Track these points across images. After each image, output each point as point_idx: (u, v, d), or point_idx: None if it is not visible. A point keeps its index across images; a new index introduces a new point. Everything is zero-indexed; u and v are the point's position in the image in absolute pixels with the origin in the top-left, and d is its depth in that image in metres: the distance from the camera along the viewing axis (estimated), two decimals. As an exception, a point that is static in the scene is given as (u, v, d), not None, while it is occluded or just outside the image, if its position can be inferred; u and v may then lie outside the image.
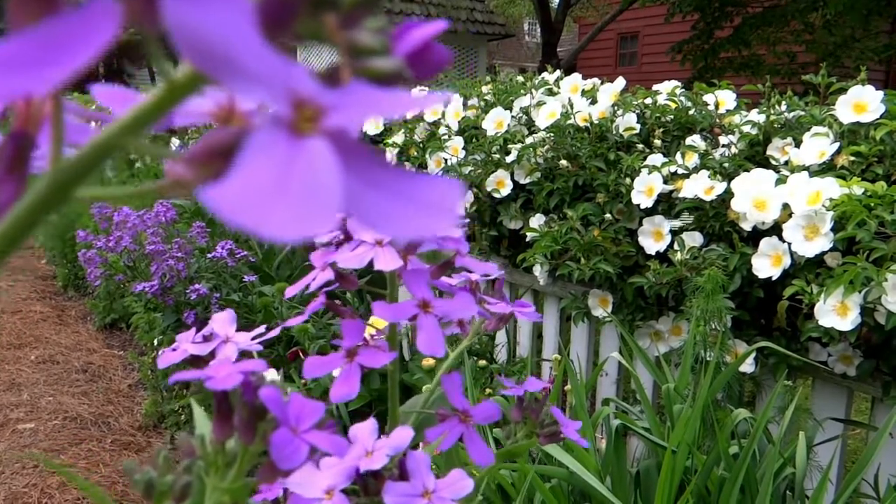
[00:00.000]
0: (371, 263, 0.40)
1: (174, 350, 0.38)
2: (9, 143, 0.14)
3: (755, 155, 1.57)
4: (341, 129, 0.12)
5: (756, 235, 1.37)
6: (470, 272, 0.47)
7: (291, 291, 0.44)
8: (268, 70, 0.11)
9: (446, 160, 2.08)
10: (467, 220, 1.99)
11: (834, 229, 1.21)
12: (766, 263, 1.31)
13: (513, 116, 1.99)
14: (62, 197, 0.13)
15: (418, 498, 0.33)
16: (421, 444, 0.42)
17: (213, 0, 0.11)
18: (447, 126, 2.16)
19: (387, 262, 0.40)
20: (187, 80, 0.13)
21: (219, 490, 0.23)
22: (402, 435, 0.35)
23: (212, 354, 0.37)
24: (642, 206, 1.56)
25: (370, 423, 0.36)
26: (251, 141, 0.11)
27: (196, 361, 0.37)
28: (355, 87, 0.13)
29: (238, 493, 0.23)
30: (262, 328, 0.41)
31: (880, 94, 1.36)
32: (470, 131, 2.11)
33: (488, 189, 1.92)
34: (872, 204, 1.17)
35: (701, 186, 1.46)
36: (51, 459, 2.19)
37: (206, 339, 0.38)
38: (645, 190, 1.56)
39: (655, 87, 1.92)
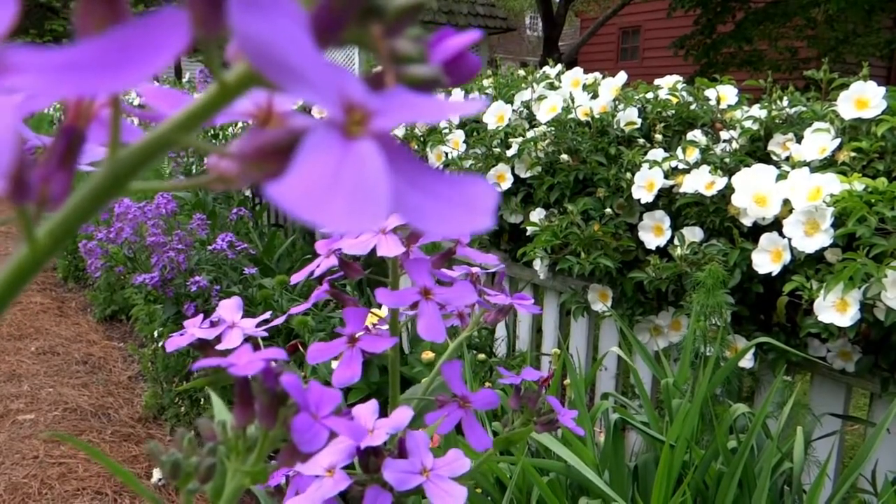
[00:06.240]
0: (373, 255, 0.41)
1: (181, 335, 0.38)
2: (61, 138, 0.14)
3: (756, 150, 1.58)
4: (386, 131, 0.13)
5: (756, 231, 1.38)
6: (471, 263, 0.48)
7: (296, 278, 0.45)
8: (322, 76, 0.12)
9: (447, 154, 2.08)
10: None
11: (834, 225, 1.22)
12: (766, 259, 1.32)
13: (514, 110, 1.99)
14: (119, 188, 0.14)
15: (416, 475, 0.34)
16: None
17: (274, 10, 0.11)
18: (448, 119, 2.16)
19: (389, 248, 0.41)
20: (237, 83, 0.13)
21: (240, 473, 0.24)
22: (402, 414, 0.36)
23: (218, 339, 0.38)
24: (643, 201, 1.56)
25: (371, 404, 0.37)
26: (307, 142, 0.12)
27: (203, 346, 0.38)
28: (398, 92, 0.14)
29: (259, 476, 0.24)
30: (267, 314, 0.42)
31: (882, 90, 1.36)
32: (471, 125, 2.11)
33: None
34: (873, 200, 1.17)
35: (702, 181, 1.46)
36: (52, 449, 2.20)
37: (213, 324, 0.39)
38: (645, 185, 1.56)
39: (657, 82, 1.92)
